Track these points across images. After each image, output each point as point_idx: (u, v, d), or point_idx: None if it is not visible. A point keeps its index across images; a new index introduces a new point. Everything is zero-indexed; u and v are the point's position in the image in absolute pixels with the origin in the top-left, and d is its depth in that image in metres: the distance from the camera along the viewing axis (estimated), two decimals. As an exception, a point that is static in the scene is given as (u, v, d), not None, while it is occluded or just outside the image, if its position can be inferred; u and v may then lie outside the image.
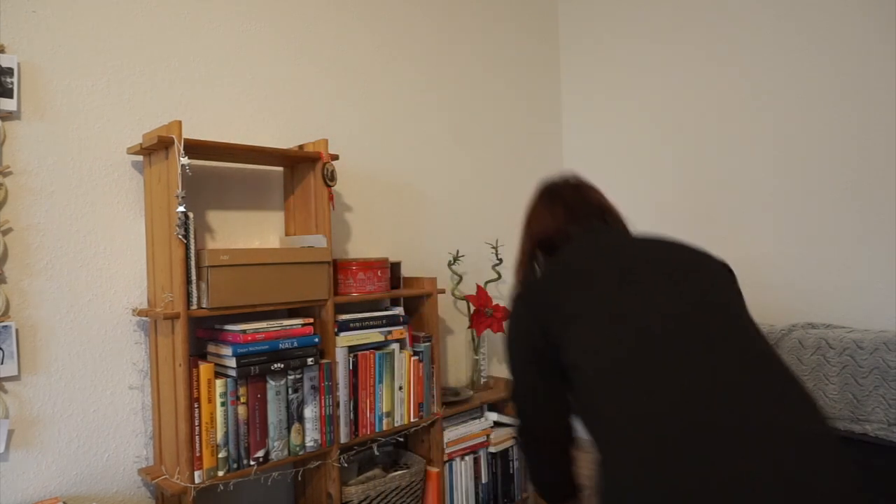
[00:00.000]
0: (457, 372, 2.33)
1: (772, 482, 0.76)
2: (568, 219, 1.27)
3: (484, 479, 2.09)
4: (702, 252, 1.08)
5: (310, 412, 1.59)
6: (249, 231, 1.77)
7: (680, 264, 1.02)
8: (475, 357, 2.26)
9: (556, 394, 1.10)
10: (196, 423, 1.40)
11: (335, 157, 1.74)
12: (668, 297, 0.96)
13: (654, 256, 1.04)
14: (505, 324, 1.18)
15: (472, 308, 2.27)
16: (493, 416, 2.13)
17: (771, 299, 2.16)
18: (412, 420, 1.84)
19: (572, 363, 0.99)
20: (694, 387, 0.85)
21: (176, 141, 1.38)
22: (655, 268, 1.01)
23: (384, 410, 1.78)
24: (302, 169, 1.75)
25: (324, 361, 1.64)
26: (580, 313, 1.00)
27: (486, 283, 2.33)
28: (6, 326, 1.35)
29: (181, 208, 1.39)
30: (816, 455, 0.79)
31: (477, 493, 2.07)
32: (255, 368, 1.48)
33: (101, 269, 1.50)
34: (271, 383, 1.53)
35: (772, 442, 0.79)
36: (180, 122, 1.40)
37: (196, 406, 1.41)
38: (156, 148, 1.45)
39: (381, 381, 1.77)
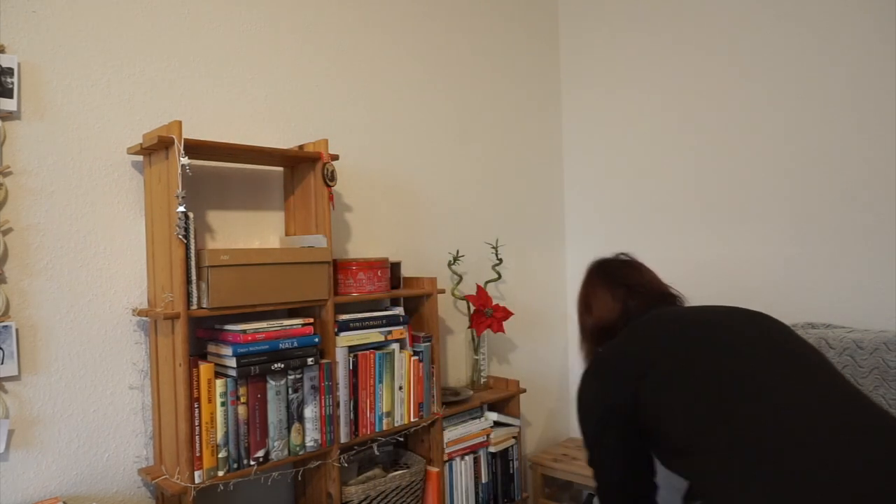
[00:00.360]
0: (457, 372, 2.33)
1: None
2: (630, 300, 1.32)
3: (484, 479, 2.09)
4: (759, 312, 1.18)
5: (310, 412, 1.59)
6: (249, 231, 1.77)
7: (752, 323, 1.11)
8: (475, 357, 2.26)
9: (640, 454, 1.16)
10: (196, 423, 1.40)
11: (335, 157, 1.74)
12: (750, 350, 1.04)
13: (729, 320, 1.13)
14: (579, 393, 1.26)
15: (472, 308, 2.27)
16: (493, 416, 2.14)
17: (771, 299, 2.16)
18: (412, 420, 1.84)
19: (669, 420, 1.04)
20: (800, 427, 0.91)
21: (176, 141, 1.38)
22: (732, 329, 1.10)
23: (384, 410, 1.78)
24: (302, 169, 1.75)
25: (324, 361, 1.64)
26: (670, 373, 1.06)
27: (486, 283, 2.33)
28: (6, 326, 1.35)
29: (181, 208, 1.39)
30: None
31: (477, 493, 2.07)
32: (255, 368, 1.48)
33: (101, 269, 1.50)
34: (271, 383, 1.53)
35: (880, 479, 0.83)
36: (180, 122, 1.40)
37: (196, 406, 1.41)
38: (156, 148, 1.45)
39: (381, 381, 1.77)
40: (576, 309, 1.45)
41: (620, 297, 1.33)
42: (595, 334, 1.36)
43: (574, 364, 2.82)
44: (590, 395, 1.22)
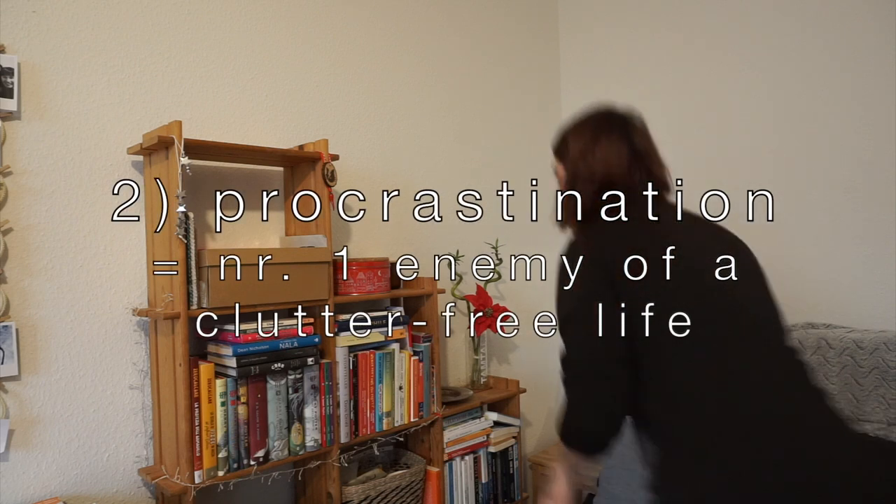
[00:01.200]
0: (457, 372, 2.33)
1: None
2: (637, 171, 1.14)
3: (484, 479, 2.09)
4: (738, 240, 1.10)
5: (310, 412, 1.59)
6: (249, 231, 1.77)
7: (733, 254, 1.05)
8: (475, 357, 2.26)
9: (622, 333, 1.00)
10: (196, 423, 1.40)
11: (335, 157, 1.74)
12: (735, 294, 1.00)
13: (714, 249, 1.05)
14: (573, 245, 1.07)
15: (472, 308, 2.27)
16: (493, 416, 2.13)
17: (771, 299, 2.16)
18: (412, 420, 1.84)
19: (659, 354, 0.97)
20: (756, 382, 0.93)
21: (176, 141, 1.38)
22: (715, 260, 1.03)
23: (384, 410, 1.78)
24: (302, 169, 1.75)
25: (324, 361, 1.64)
26: (664, 293, 0.98)
27: (486, 283, 2.33)
28: (6, 326, 1.35)
29: (181, 208, 1.39)
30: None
31: (477, 493, 2.07)
32: (255, 368, 1.48)
33: (101, 269, 1.50)
34: (271, 383, 1.53)
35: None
36: (180, 123, 1.40)
37: (196, 406, 1.41)
38: (156, 148, 1.45)
39: (381, 381, 1.77)
40: (564, 149, 1.20)
41: (629, 160, 1.14)
42: (595, 186, 1.13)
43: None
44: (592, 246, 1.04)
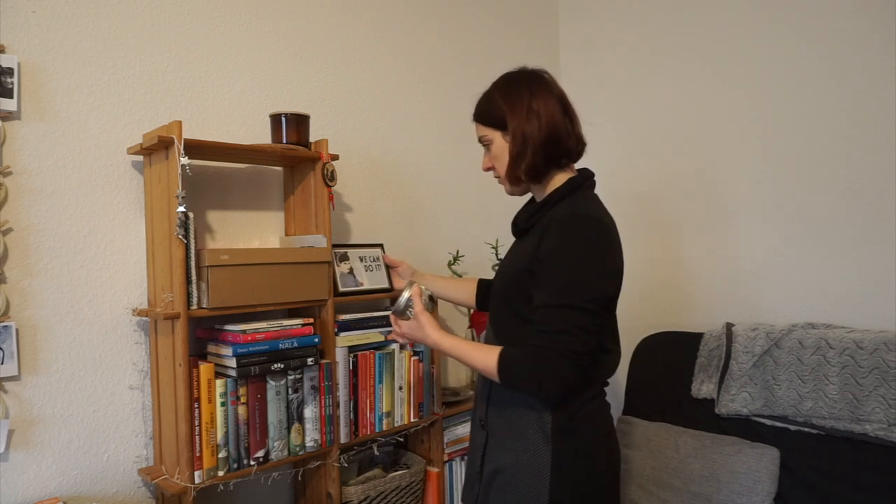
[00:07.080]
0: (457, 372, 2.33)
1: None
2: (573, 139, 1.21)
3: (484, 479, 2.09)
4: None
5: (310, 412, 1.59)
6: (249, 231, 1.77)
7: None
8: (475, 357, 2.26)
9: None
10: (196, 423, 1.40)
11: (335, 157, 1.74)
12: None
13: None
14: (601, 240, 1.14)
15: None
16: (493, 416, 2.13)
17: (771, 299, 2.16)
18: (412, 420, 1.84)
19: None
20: None
21: (176, 141, 1.38)
22: None
23: (384, 410, 1.78)
24: (302, 169, 1.75)
25: (324, 361, 1.63)
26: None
27: (486, 283, 2.33)
28: (6, 326, 1.35)
29: (181, 208, 1.39)
30: None
31: (477, 493, 2.07)
32: (255, 368, 1.48)
33: (101, 269, 1.50)
34: (271, 383, 1.53)
35: None
36: (180, 122, 1.40)
37: (196, 406, 1.41)
38: (156, 148, 1.45)
39: (381, 381, 1.77)
40: (501, 113, 1.23)
41: (570, 127, 1.19)
42: (546, 147, 1.16)
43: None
44: (617, 255, 1.16)
